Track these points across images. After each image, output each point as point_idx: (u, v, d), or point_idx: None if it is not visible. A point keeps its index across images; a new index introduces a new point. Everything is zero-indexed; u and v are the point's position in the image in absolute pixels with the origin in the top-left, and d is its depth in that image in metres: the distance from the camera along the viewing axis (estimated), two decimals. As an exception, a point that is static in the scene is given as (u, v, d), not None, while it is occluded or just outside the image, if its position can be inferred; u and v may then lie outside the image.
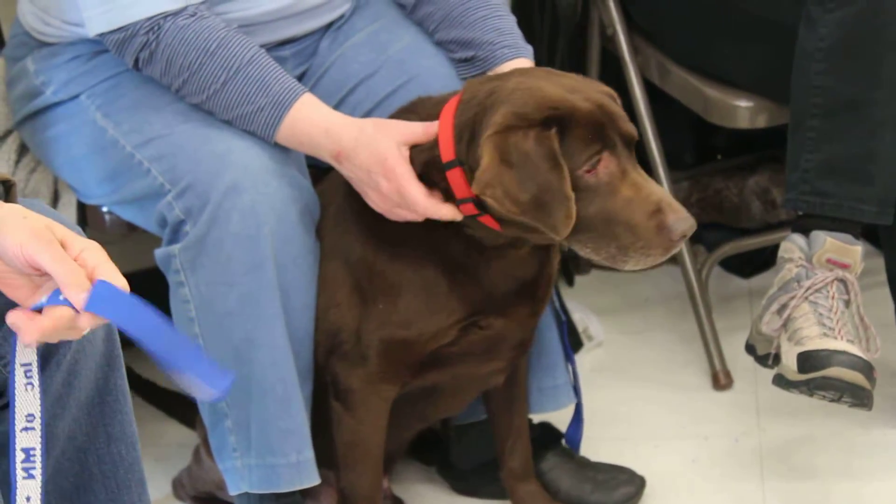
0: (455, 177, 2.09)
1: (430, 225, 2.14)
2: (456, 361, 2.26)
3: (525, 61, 2.27)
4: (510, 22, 2.31)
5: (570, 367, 2.46)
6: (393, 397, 2.26)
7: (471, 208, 2.10)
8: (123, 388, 1.79)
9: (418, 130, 2.13)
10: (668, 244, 2.01)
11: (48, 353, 1.69)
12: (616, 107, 2.06)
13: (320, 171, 2.33)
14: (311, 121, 2.17)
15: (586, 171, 2.01)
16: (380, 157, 2.11)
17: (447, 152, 2.09)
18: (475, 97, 2.08)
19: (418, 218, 2.13)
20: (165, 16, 2.17)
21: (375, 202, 2.15)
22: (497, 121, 2.02)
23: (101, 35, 2.21)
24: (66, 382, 1.72)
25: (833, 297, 2.35)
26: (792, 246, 2.42)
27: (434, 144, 2.11)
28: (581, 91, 2.05)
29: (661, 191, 2.04)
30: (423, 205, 2.11)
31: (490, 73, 2.24)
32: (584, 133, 2.01)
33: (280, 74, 2.18)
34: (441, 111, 2.11)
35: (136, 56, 2.20)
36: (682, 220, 2.00)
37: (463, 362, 2.26)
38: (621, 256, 2.03)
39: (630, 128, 2.05)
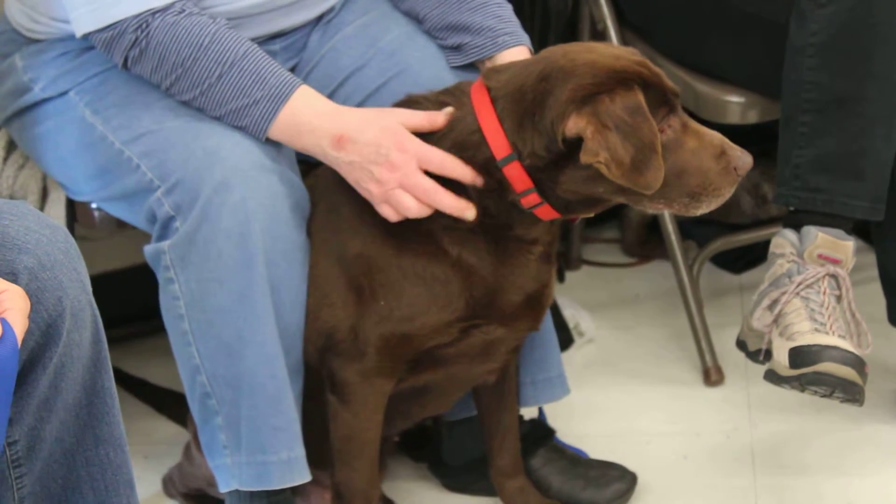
0: (513, 171, 2.09)
1: (441, 225, 2.15)
2: (451, 362, 2.25)
3: (525, 49, 2.27)
4: (509, 10, 2.32)
5: None
6: (389, 392, 2.26)
7: (534, 198, 2.10)
8: (111, 390, 1.79)
9: (422, 118, 2.14)
10: (734, 181, 2.11)
11: (34, 357, 1.69)
12: (656, 66, 2.11)
13: (310, 167, 2.32)
14: (312, 108, 2.17)
15: (659, 129, 2.06)
16: (390, 131, 2.12)
17: (500, 148, 2.10)
18: (524, 85, 2.09)
19: (412, 210, 2.12)
20: (153, 12, 2.16)
21: (371, 189, 2.14)
22: (578, 94, 2.04)
23: (89, 35, 2.20)
24: (53, 385, 1.71)
25: (824, 293, 2.35)
26: (783, 241, 2.42)
27: (479, 144, 2.10)
28: (625, 57, 2.09)
29: (717, 134, 2.12)
30: (449, 163, 2.11)
31: (495, 62, 2.25)
32: (653, 95, 2.07)
33: (275, 67, 2.17)
34: (475, 108, 2.11)
35: (125, 55, 2.19)
36: (744, 156, 2.11)
37: (458, 363, 2.26)
38: (694, 203, 2.11)
39: (673, 84, 2.11)
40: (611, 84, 2.04)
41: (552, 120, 2.05)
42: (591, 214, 2.21)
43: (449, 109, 2.15)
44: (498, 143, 2.10)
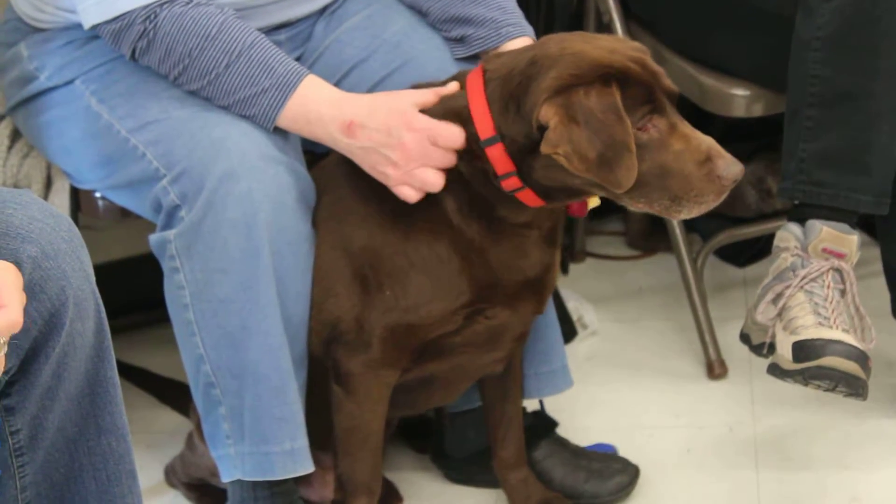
0: (496, 152, 2.09)
1: (445, 206, 2.15)
2: (457, 351, 2.25)
3: (528, 40, 2.27)
4: (512, 1, 2.32)
5: None
6: (393, 383, 2.26)
7: (514, 182, 2.10)
8: (114, 379, 1.79)
9: (429, 94, 2.14)
10: (721, 189, 2.06)
11: (37, 346, 1.69)
12: (655, 64, 2.09)
13: (316, 157, 2.32)
14: (320, 97, 2.17)
15: (638, 128, 2.04)
16: (400, 112, 2.12)
17: (485, 128, 2.10)
18: (514, 69, 2.09)
19: (436, 184, 2.12)
20: (161, 3, 2.16)
21: (389, 172, 2.14)
22: (555, 84, 2.03)
23: (97, 26, 2.20)
24: (56, 374, 1.71)
25: (829, 287, 2.35)
26: (787, 235, 2.41)
27: (465, 120, 2.11)
28: (621, 51, 2.07)
29: (708, 139, 2.08)
30: (461, 137, 2.11)
31: (499, 50, 2.24)
32: (636, 92, 2.04)
33: (283, 57, 2.18)
34: (467, 87, 2.12)
35: (133, 46, 2.19)
36: (731, 165, 2.06)
37: (464, 352, 2.26)
38: (675, 207, 2.07)
39: (671, 84, 2.09)
40: (590, 77, 2.03)
41: (531, 106, 2.05)
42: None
43: (456, 83, 2.16)
44: (483, 123, 2.10)
